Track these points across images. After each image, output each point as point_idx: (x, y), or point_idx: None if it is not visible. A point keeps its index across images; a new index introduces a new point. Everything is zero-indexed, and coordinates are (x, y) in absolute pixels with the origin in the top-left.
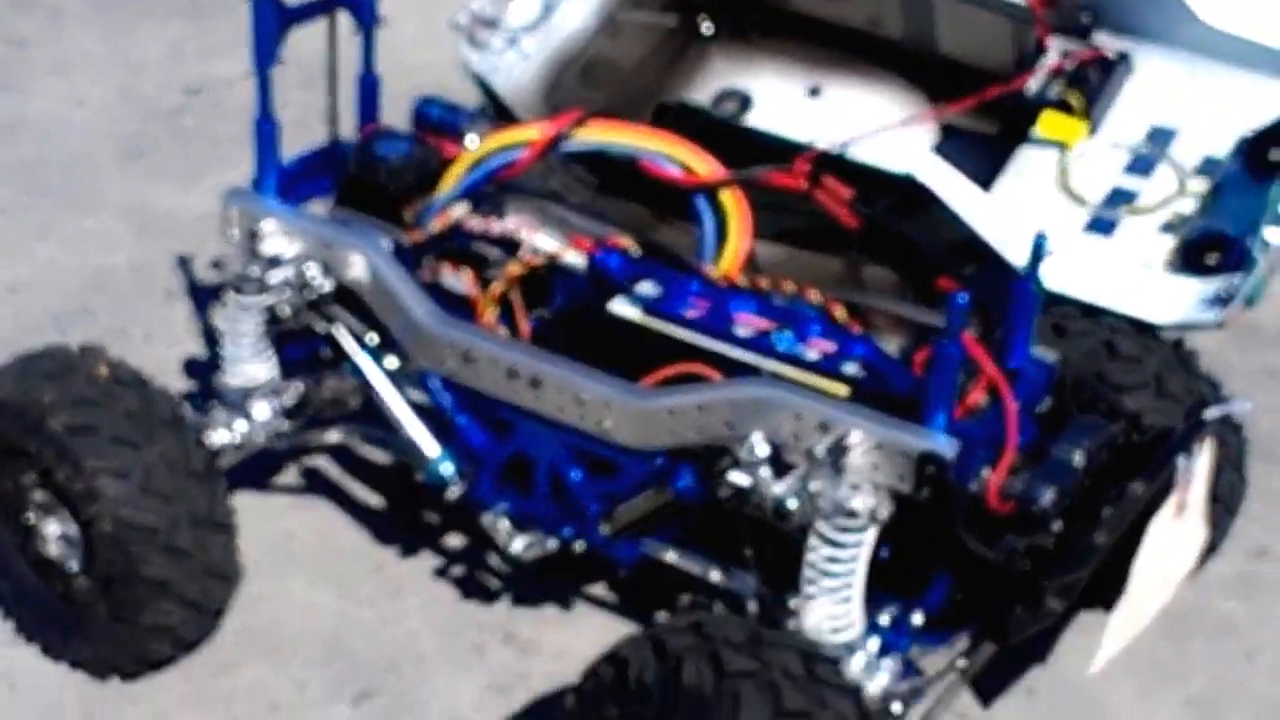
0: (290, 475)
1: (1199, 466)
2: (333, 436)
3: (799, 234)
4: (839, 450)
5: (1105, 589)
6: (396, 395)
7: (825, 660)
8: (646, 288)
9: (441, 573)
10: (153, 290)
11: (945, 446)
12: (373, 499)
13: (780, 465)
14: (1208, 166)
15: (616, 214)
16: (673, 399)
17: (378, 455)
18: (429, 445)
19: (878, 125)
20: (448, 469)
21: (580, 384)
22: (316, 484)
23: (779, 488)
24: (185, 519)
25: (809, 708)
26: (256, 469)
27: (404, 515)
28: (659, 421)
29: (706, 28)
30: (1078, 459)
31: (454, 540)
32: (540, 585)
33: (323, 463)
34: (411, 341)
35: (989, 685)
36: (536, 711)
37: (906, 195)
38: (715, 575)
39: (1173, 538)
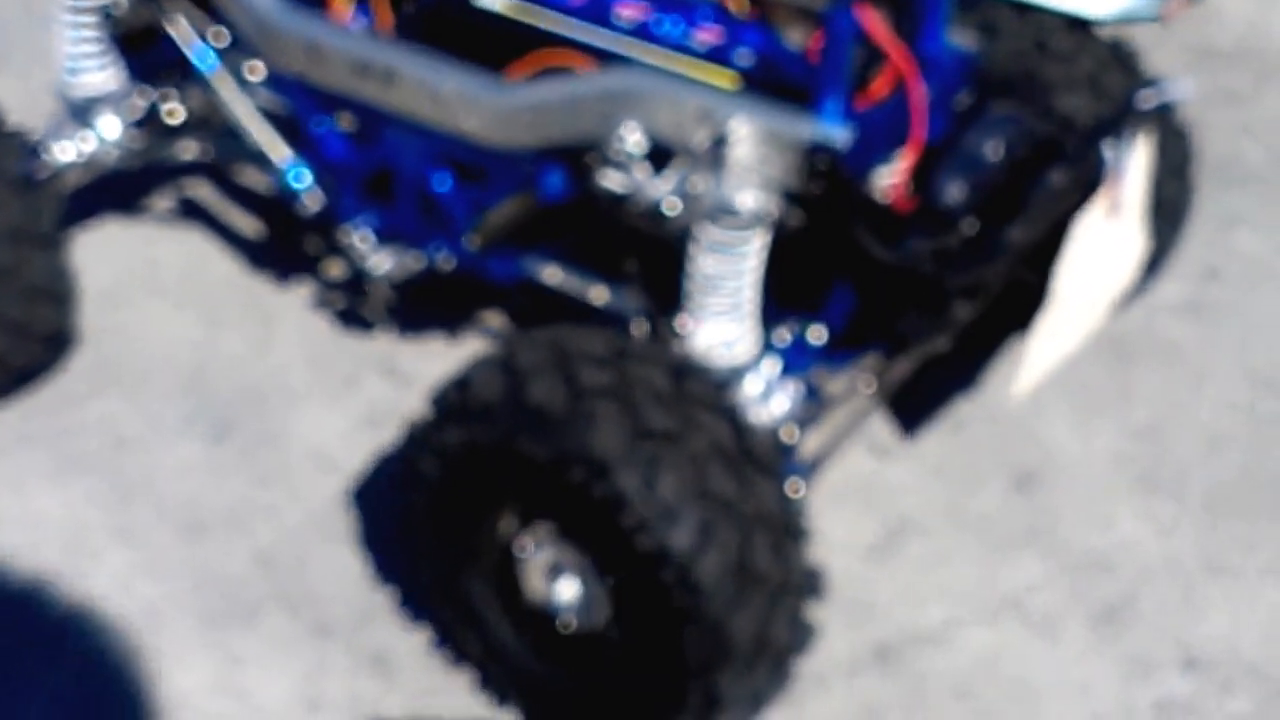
0: (160, 202)
1: (1132, 161)
2: (189, 152)
3: None
4: (721, 142)
5: (1036, 310)
6: (242, 99)
7: (698, 375)
8: None
9: (319, 303)
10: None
11: (837, 134)
12: (249, 227)
13: (659, 164)
14: None
15: None
16: (538, 92)
17: (257, 181)
18: (279, 153)
19: None
20: (302, 180)
21: (436, 78)
22: (189, 211)
23: (655, 187)
24: (8, 234)
25: (676, 428)
26: (122, 194)
27: (282, 244)
28: (524, 118)
29: None
30: (991, 150)
31: (335, 271)
32: (426, 317)
33: (196, 189)
34: (257, 37)
35: (911, 416)
36: None
37: None
38: (599, 294)
39: (1104, 243)
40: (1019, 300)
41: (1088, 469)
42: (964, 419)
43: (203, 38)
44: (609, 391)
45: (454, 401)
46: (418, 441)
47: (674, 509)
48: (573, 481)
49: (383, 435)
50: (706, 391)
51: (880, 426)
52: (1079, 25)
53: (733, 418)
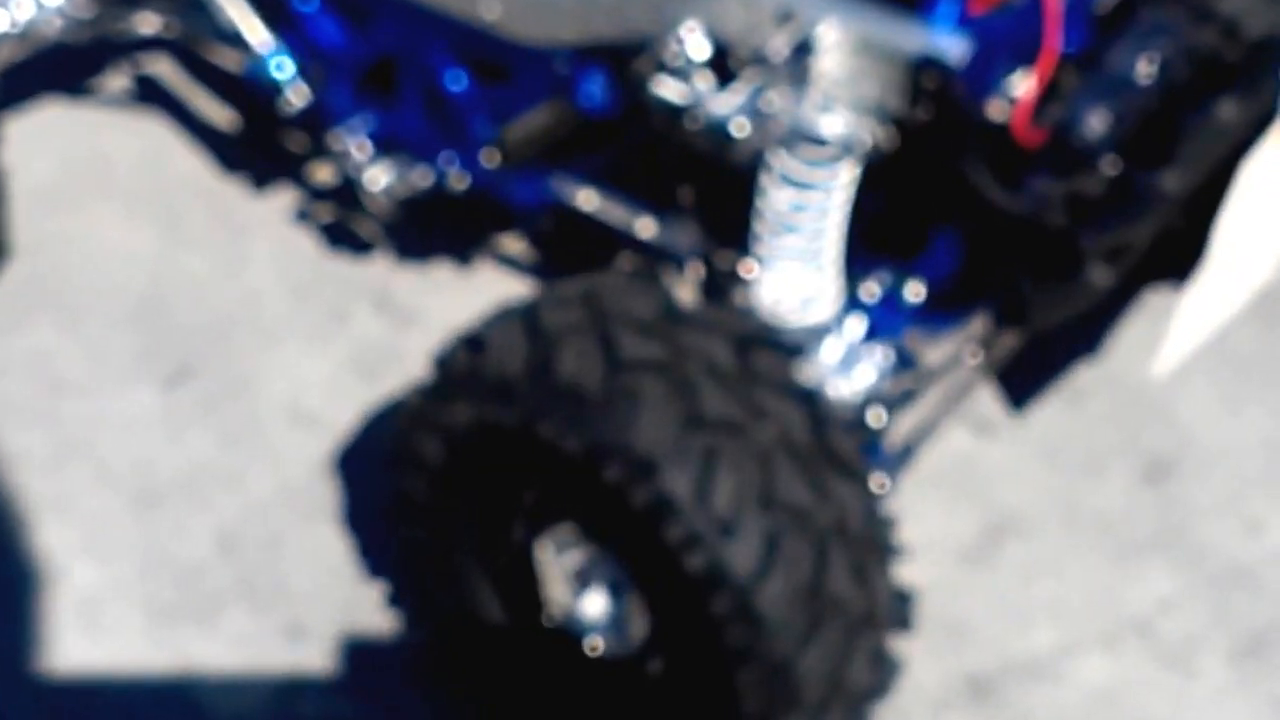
0: (113, 82)
1: None
2: (148, 25)
3: None
4: (804, 50)
5: (1181, 259)
6: None
7: (767, 345)
8: None
9: (301, 215)
10: None
11: (950, 47)
12: (219, 116)
13: (725, 73)
14: None
15: None
16: None
17: (231, 59)
18: (257, 35)
19: None
20: (284, 69)
21: None
22: (146, 94)
23: (720, 103)
24: None
25: (739, 416)
26: (65, 72)
27: (259, 140)
28: (559, 6)
29: None
30: (1142, 71)
31: (323, 175)
32: (431, 239)
33: (156, 67)
34: None
35: (1021, 385)
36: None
37: None
38: (647, 228)
39: (1275, 188)
40: (1162, 246)
41: (1234, 459)
42: (1084, 391)
43: None
44: (656, 366)
45: (463, 368)
46: (416, 415)
47: (733, 520)
48: (608, 480)
49: (375, 385)
50: (777, 368)
51: (983, 398)
52: None
53: (809, 403)
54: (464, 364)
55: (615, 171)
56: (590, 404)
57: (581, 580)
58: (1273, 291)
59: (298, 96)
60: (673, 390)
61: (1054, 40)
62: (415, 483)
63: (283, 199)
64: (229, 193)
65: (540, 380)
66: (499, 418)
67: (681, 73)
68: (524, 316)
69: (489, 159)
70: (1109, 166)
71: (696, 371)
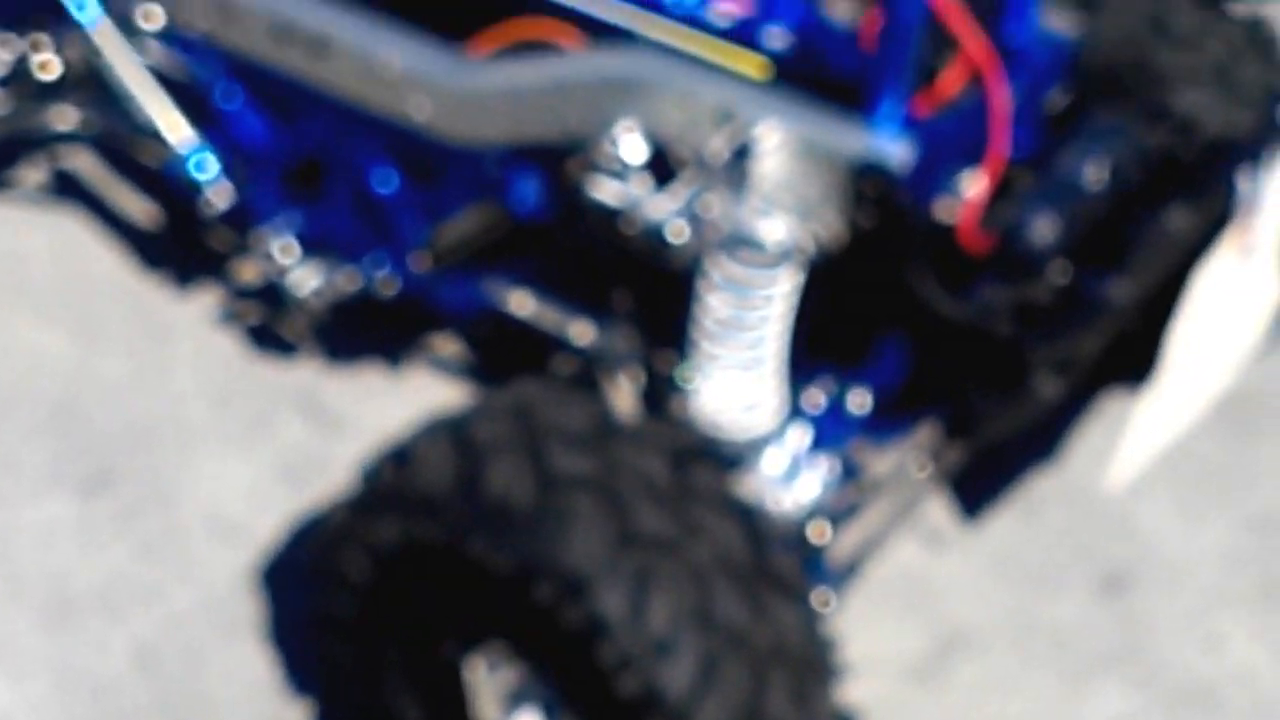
0: (29, 176)
1: (1271, 191)
2: (64, 120)
3: None
4: (743, 153)
5: (1138, 362)
6: (131, 60)
7: (704, 460)
8: None
9: (224, 317)
10: None
11: (893, 152)
12: (140, 212)
13: (663, 172)
14: None
15: None
16: (510, 73)
17: (152, 154)
18: (178, 132)
19: None
20: (206, 168)
21: (380, 50)
22: (64, 190)
23: (657, 206)
24: None
25: (674, 533)
26: None
27: (182, 238)
28: (491, 106)
29: None
30: (1091, 175)
31: (247, 275)
32: (360, 341)
33: (75, 161)
34: None
35: (974, 495)
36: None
37: None
38: (584, 333)
39: (1231, 294)
40: (1118, 349)
41: (1195, 572)
42: (1039, 501)
43: None
44: (589, 482)
45: (390, 482)
46: (340, 531)
47: (668, 641)
48: (539, 600)
49: (301, 494)
50: (715, 483)
51: (933, 508)
52: (1207, 0)
53: (747, 519)
54: (391, 478)
55: (551, 272)
56: (520, 521)
57: (514, 700)
58: (1233, 399)
59: (219, 197)
60: (605, 507)
61: (1002, 144)
62: (340, 599)
63: (205, 299)
64: (149, 293)
65: (469, 496)
66: (426, 534)
67: (617, 174)
68: (453, 429)
69: (420, 263)
70: (1058, 274)
71: (630, 487)
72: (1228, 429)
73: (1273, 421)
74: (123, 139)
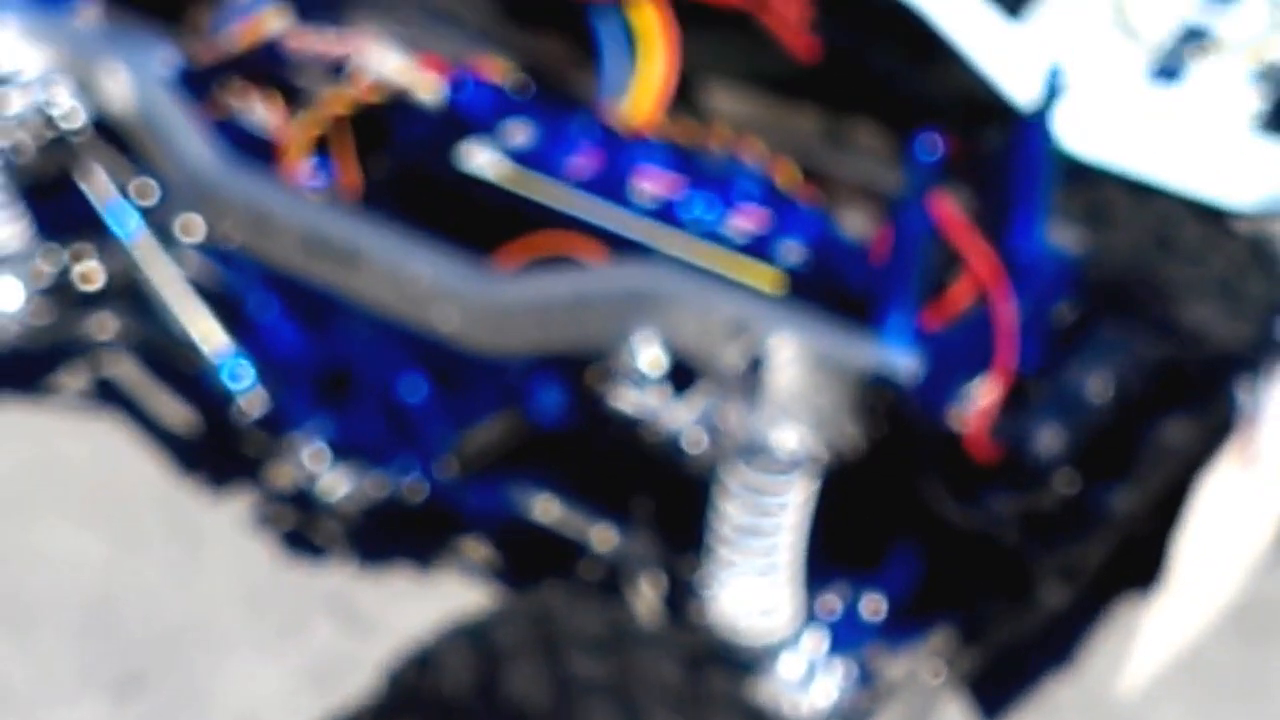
0: (71, 386)
1: (1272, 403)
2: (106, 330)
3: (762, 75)
4: (758, 365)
5: (1149, 568)
6: (171, 272)
7: (718, 666)
8: (516, 132)
9: (257, 522)
10: None
11: (903, 363)
12: (175, 418)
13: (682, 379)
14: None
15: (510, 48)
16: (533, 287)
17: (189, 364)
18: (214, 341)
19: None
20: (241, 377)
21: (409, 264)
22: (100, 399)
23: (675, 415)
24: None
25: None
26: (16, 376)
27: (216, 443)
28: (515, 319)
29: None
30: (1097, 387)
31: (280, 480)
32: (391, 545)
33: (117, 371)
34: (189, 198)
35: (992, 701)
36: None
37: (894, 21)
38: (604, 538)
39: (1237, 503)
40: (1129, 555)
41: None
42: (1053, 708)
43: (124, 192)
44: (604, 687)
45: (411, 686)
46: None
47: None
48: None
49: (330, 696)
50: (730, 688)
51: (949, 711)
52: (1212, 216)
53: None
54: (411, 681)
55: (574, 479)
56: None
57: None
58: (1246, 608)
59: (252, 405)
60: (620, 713)
61: (1008, 357)
62: None
63: (239, 504)
64: (184, 497)
65: (488, 699)
66: None
67: (636, 383)
68: (473, 633)
69: (446, 469)
70: (1064, 484)
71: (645, 693)
72: (1241, 637)
73: None
74: (160, 347)
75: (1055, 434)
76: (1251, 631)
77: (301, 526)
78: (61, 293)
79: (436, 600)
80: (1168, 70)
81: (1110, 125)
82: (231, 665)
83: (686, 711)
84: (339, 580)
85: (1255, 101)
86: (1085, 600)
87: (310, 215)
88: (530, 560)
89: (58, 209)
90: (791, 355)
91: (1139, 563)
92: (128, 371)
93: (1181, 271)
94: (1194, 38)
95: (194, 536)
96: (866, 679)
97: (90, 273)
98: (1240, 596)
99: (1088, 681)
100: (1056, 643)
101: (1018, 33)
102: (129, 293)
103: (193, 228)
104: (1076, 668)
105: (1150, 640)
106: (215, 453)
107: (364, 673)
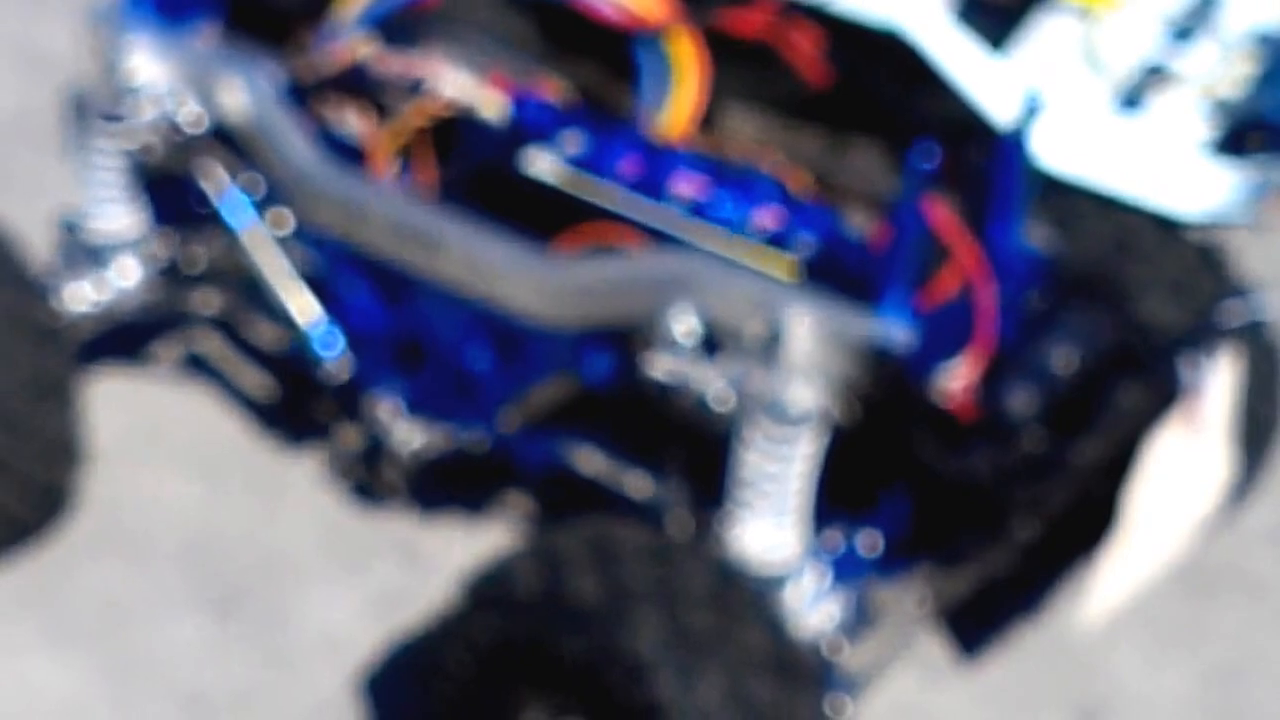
0: (167, 354)
1: (1214, 377)
2: (211, 305)
3: (778, 99)
4: (776, 337)
5: (1105, 524)
6: (275, 255)
7: (742, 579)
8: (570, 142)
9: (331, 475)
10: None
11: (899, 336)
12: (258, 386)
13: (711, 351)
14: (1255, 40)
15: (562, 70)
16: (586, 269)
17: (267, 337)
18: (309, 314)
19: None
20: (329, 344)
21: (482, 249)
22: (196, 366)
23: (705, 378)
24: (22, 385)
25: (715, 633)
26: (126, 345)
27: (294, 407)
28: (570, 296)
29: None
30: (1061, 360)
31: (350, 440)
32: (446, 497)
33: (205, 342)
34: (294, 193)
35: (969, 637)
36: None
37: (893, 52)
38: (638, 485)
39: (1182, 465)
40: (1095, 518)
41: (1155, 710)
42: (1027, 645)
43: (235, 187)
44: (651, 591)
45: (489, 592)
46: (447, 632)
47: (712, 717)
48: (609, 683)
49: (396, 620)
50: (750, 597)
51: (932, 644)
52: (1166, 225)
53: (775, 627)
54: (489, 588)
55: (614, 434)
56: (595, 620)
57: None
58: (1197, 561)
59: (341, 370)
60: (664, 611)
61: (988, 335)
62: (443, 687)
63: (315, 460)
64: (268, 454)
65: (553, 600)
66: (519, 632)
67: (672, 352)
68: (541, 549)
69: (507, 425)
70: (1033, 439)
71: (683, 596)
72: (1188, 591)
73: (1226, 583)
74: (252, 322)
75: (1026, 398)
76: (1197, 587)
77: (369, 479)
78: (171, 273)
79: (487, 543)
80: (1131, 100)
81: (1080, 145)
82: (311, 594)
83: (717, 614)
84: (401, 525)
85: (1206, 129)
86: (1051, 555)
87: (399, 207)
88: (570, 511)
89: (169, 200)
90: (805, 329)
91: (1098, 524)
92: (216, 346)
93: (1138, 270)
94: (1154, 73)
95: (276, 486)
96: (862, 605)
97: (195, 255)
98: (1188, 555)
99: (1051, 629)
100: (1025, 592)
101: (1000, 65)
102: (229, 273)
103: (292, 219)
104: (1042, 615)
105: (1105, 583)
106: (292, 416)
107: (423, 603)
